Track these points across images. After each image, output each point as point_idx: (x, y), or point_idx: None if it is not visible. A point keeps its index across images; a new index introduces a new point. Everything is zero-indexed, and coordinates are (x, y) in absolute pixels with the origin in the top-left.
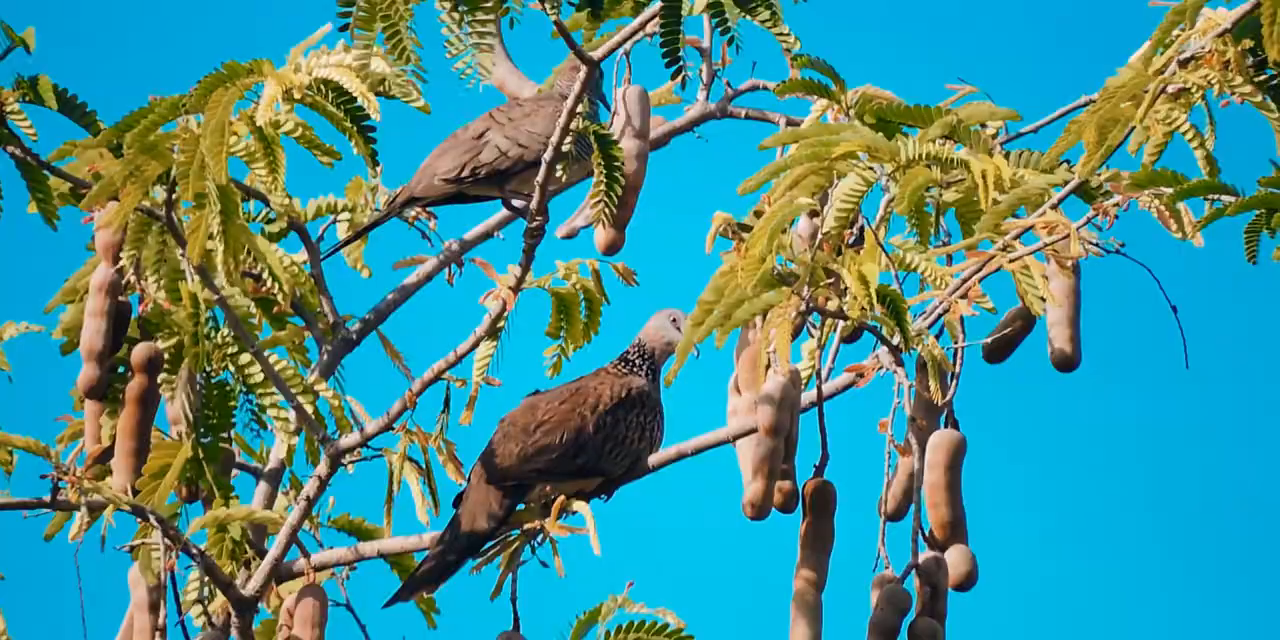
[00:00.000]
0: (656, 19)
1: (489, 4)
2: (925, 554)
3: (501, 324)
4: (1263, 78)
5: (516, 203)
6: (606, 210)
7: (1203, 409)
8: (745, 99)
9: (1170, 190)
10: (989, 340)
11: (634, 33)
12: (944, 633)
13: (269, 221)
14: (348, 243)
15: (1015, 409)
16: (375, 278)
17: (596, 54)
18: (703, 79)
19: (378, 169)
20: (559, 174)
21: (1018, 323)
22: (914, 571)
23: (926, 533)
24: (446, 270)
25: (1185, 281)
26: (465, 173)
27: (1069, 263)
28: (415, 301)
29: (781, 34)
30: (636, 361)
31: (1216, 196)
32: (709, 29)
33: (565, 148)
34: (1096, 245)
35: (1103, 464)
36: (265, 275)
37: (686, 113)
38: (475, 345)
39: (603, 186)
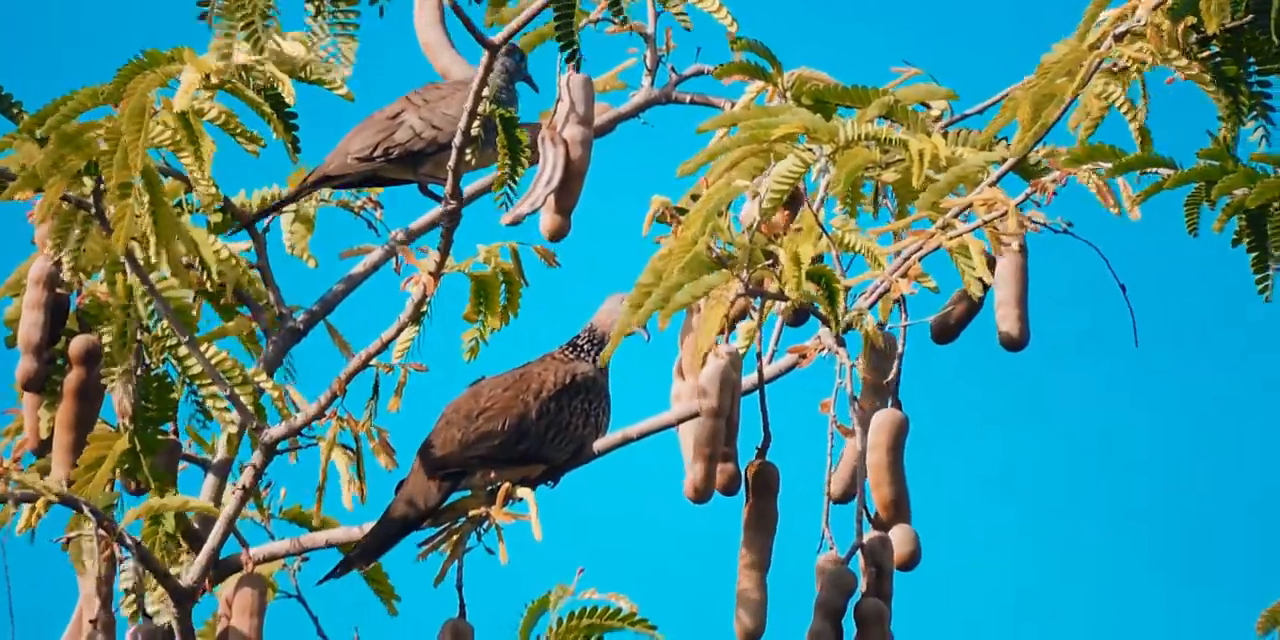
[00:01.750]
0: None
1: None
2: (870, 534)
3: (424, 309)
4: (1206, 53)
5: (431, 187)
6: (509, 194)
7: (1150, 387)
8: (690, 84)
9: (1108, 165)
10: (934, 319)
11: (532, 17)
12: (890, 613)
13: (214, 213)
14: (261, 216)
15: (966, 389)
16: (321, 268)
17: (497, 38)
18: (647, 65)
19: (298, 155)
20: (469, 158)
21: (962, 302)
22: (859, 552)
23: (872, 513)
24: (393, 260)
25: (1132, 258)
26: (378, 152)
27: (1013, 241)
28: (362, 291)
29: (720, 15)
30: (585, 346)
31: (1155, 170)
32: (653, 15)
33: (474, 132)
34: (1042, 224)
35: (1051, 443)
36: (197, 264)
37: (631, 99)
38: (400, 331)
39: (506, 171)
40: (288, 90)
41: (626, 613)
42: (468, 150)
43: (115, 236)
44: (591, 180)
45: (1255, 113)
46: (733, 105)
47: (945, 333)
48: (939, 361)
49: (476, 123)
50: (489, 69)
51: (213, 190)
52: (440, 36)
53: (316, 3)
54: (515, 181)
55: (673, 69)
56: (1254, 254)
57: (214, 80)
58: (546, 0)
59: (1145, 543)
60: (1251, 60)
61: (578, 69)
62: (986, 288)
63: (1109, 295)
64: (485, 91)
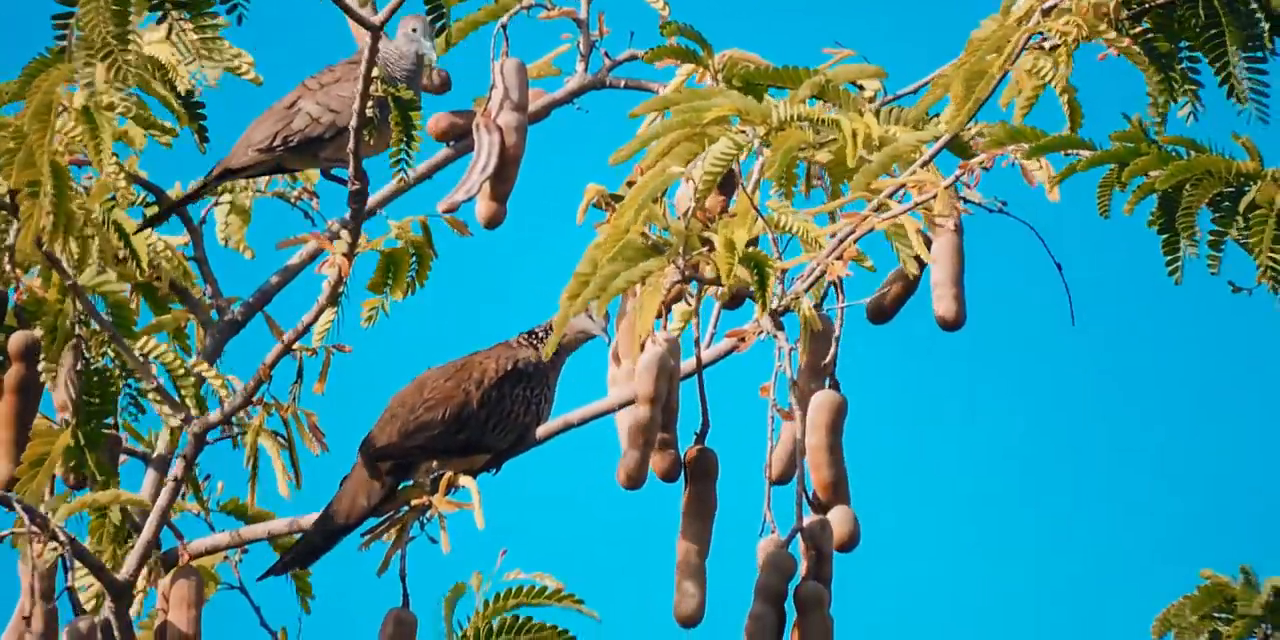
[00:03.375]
0: None
1: (211, 9)
2: (810, 517)
3: (341, 290)
4: (1138, 30)
5: (335, 172)
6: (406, 174)
7: (1088, 365)
8: (624, 69)
9: (1028, 145)
10: (869, 300)
11: None
12: (830, 596)
13: (148, 205)
14: (157, 219)
15: (902, 368)
16: (258, 259)
17: (376, 19)
18: (580, 50)
19: (205, 145)
20: (368, 140)
21: (898, 283)
22: (799, 535)
23: (811, 496)
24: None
25: (1067, 236)
26: (277, 142)
27: (947, 222)
28: (299, 282)
29: (653, 0)
30: (542, 337)
31: (1075, 151)
32: (585, 0)
33: (369, 114)
34: (976, 203)
35: (989, 422)
36: (127, 254)
37: (566, 84)
38: (319, 314)
39: (401, 150)
40: (184, 80)
41: (553, 590)
42: (365, 132)
43: (23, 235)
44: (527, 166)
45: (1184, 91)
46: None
47: (881, 313)
48: (877, 342)
49: (370, 103)
50: (374, 50)
51: (121, 183)
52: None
53: (172, 26)
54: (410, 157)
55: (606, 54)
56: (1164, 236)
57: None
58: None
59: (1082, 524)
60: (1182, 38)
61: (449, 41)
62: (923, 266)
63: (1046, 273)
64: (375, 71)
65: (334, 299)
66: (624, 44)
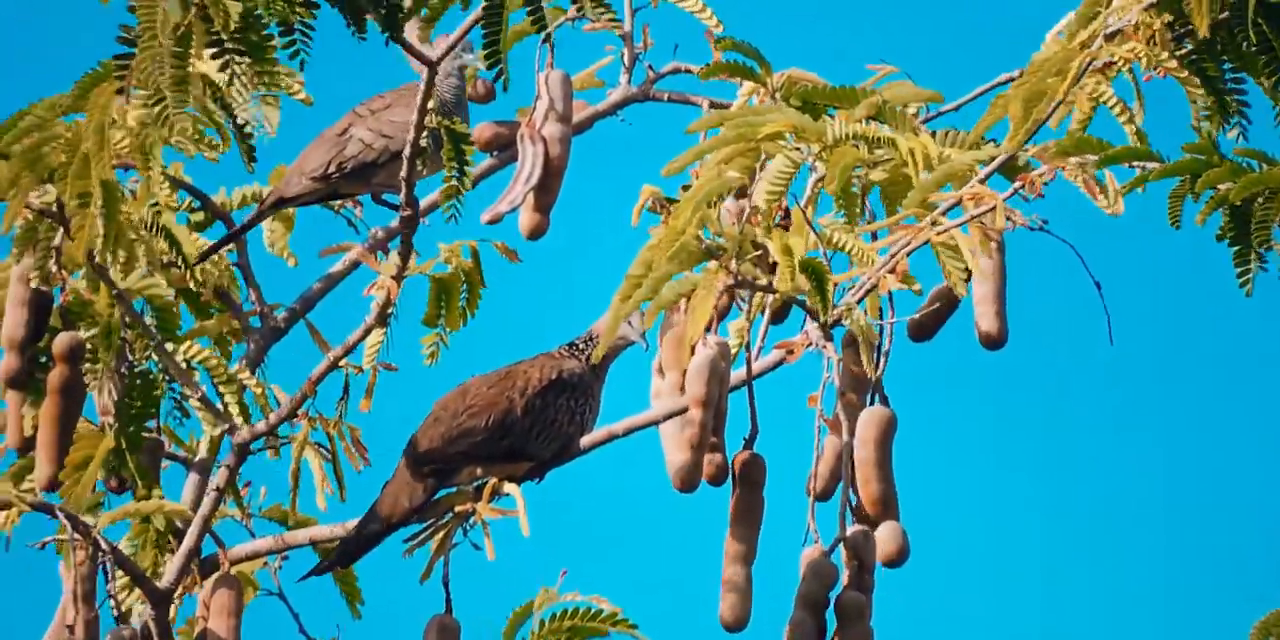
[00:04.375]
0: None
1: (272, 56)
2: (853, 528)
3: (389, 311)
4: (1183, 51)
5: (386, 197)
6: (457, 205)
7: (1127, 384)
8: (667, 82)
9: (1095, 157)
10: (917, 316)
11: (465, 33)
12: (871, 606)
13: (193, 211)
14: (219, 247)
15: (944, 387)
16: (301, 266)
17: (434, 55)
18: (624, 63)
19: (253, 164)
20: (420, 169)
21: (941, 301)
22: (841, 545)
23: (853, 505)
24: (373, 258)
25: (1110, 257)
26: (332, 169)
27: (994, 238)
28: (342, 289)
29: (703, 14)
30: (582, 347)
31: (1142, 164)
32: (630, 13)
33: (423, 143)
34: (1018, 222)
35: (1029, 443)
36: (179, 262)
37: (609, 97)
38: (366, 334)
39: (453, 181)
40: (244, 102)
41: (608, 614)
42: (417, 160)
43: (74, 247)
44: (570, 178)
45: (1234, 111)
46: (711, 103)
47: (923, 331)
48: (916, 360)
49: (424, 134)
50: (430, 84)
51: (168, 194)
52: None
53: (230, 69)
54: (462, 193)
55: (650, 67)
56: (1236, 248)
57: None
58: (477, 18)
59: (1130, 540)
60: (1225, 59)
61: (505, 88)
62: (968, 281)
63: (1087, 293)
64: (430, 104)
65: (382, 320)
66: (668, 57)
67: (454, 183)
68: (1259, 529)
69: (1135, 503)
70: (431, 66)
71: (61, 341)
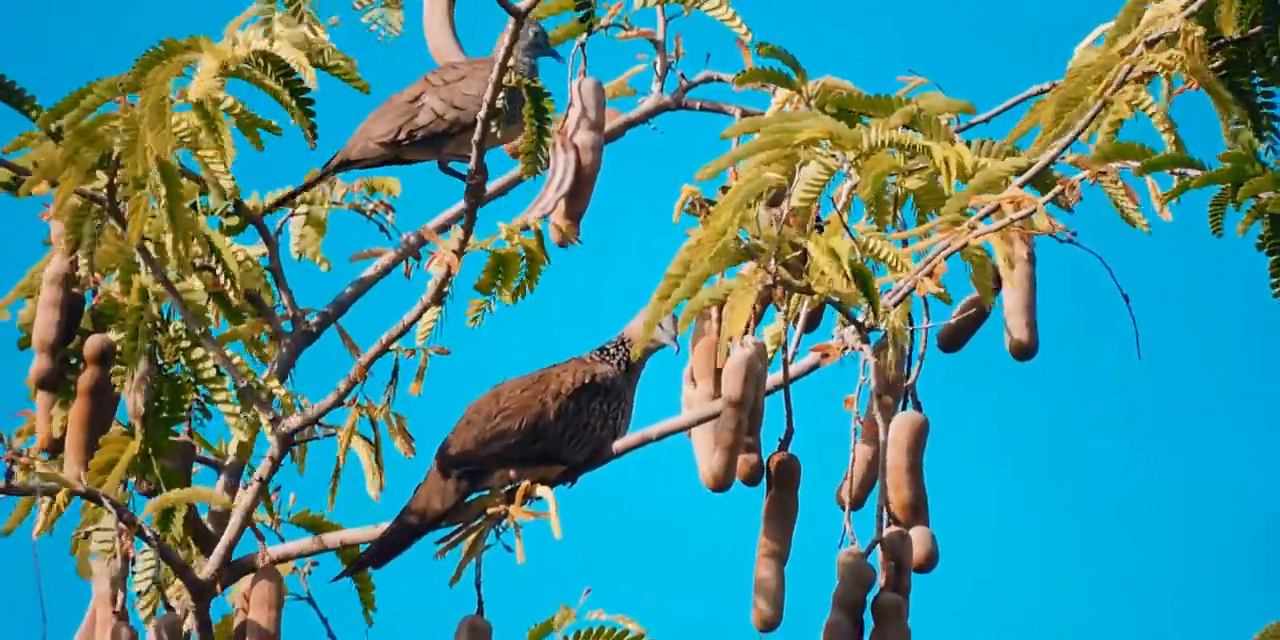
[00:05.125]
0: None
1: None
2: (890, 529)
3: (446, 289)
4: (1215, 63)
5: (453, 166)
6: (537, 162)
7: (1158, 394)
8: (700, 91)
9: (1138, 163)
10: (951, 321)
11: None
12: (908, 607)
13: (226, 215)
14: (281, 203)
15: (973, 397)
16: (333, 271)
17: (522, 4)
18: (657, 71)
19: (315, 141)
20: (494, 132)
21: (972, 310)
22: (878, 547)
23: (891, 510)
24: (404, 263)
25: (1140, 267)
26: (402, 136)
27: (1028, 244)
28: (373, 295)
29: (733, 23)
30: (613, 352)
31: (1183, 171)
32: (663, 21)
33: (499, 104)
34: (1047, 233)
35: (1058, 453)
36: (218, 268)
37: (641, 105)
38: (421, 313)
39: (533, 140)
40: (310, 77)
41: (635, 635)
42: (493, 123)
43: (130, 229)
44: (601, 186)
45: (1266, 124)
46: (743, 112)
47: (953, 341)
48: (946, 370)
49: (502, 94)
50: (516, 36)
51: (231, 183)
52: (449, 41)
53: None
54: (543, 152)
55: (682, 75)
56: (1274, 257)
57: (231, 69)
58: None
59: (1158, 547)
60: (1255, 73)
61: (589, 30)
62: (997, 290)
63: (1115, 304)
64: (510, 62)
65: (439, 298)
66: (700, 65)
67: (535, 140)
68: None
69: (1164, 511)
70: (519, 17)
71: (93, 343)
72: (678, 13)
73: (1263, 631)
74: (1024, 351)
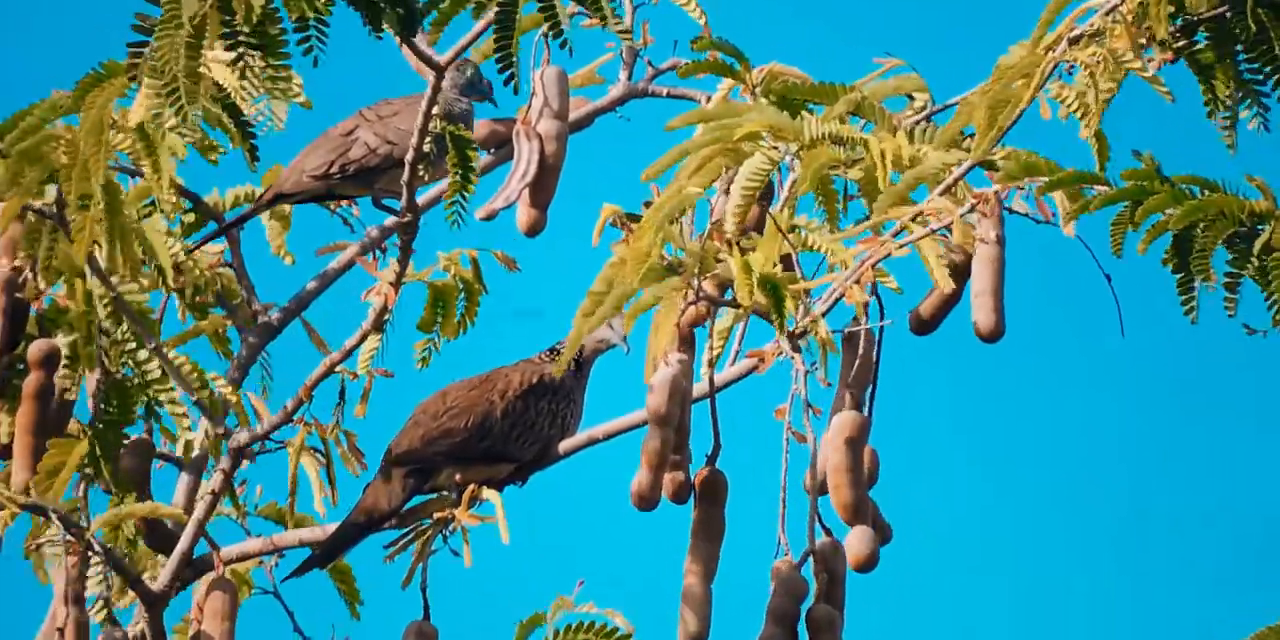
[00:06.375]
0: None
1: (285, 52)
2: (822, 540)
3: (386, 317)
4: (1183, 43)
5: (386, 201)
6: (460, 212)
7: (1133, 379)
8: (668, 78)
9: (1044, 180)
10: (911, 312)
11: (475, 38)
12: (843, 619)
13: (185, 212)
14: (210, 239)
15: (945, 381)
16: (297, 265)
17: (443, 59)
18: (624, 58)
19: (255, 164)
20: (422, 174)
21: (937, 293)
22: (811, 557)
23: (822, 520)
24: (370, 256)
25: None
26: (334, 169)
27: (994, 232)
28: (337, 288)
29: (688, 7)
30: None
31: (1090, 186)
32: (630, 9)
33: (426, 149)
34: (1023, 214)
35: (1030, 436)
36: (154, 270)
37: (609, 93)
38: (362, 339)
39: (457, 186)
40: (245, 103)
41: (623, 632)
42: (420, 166)
43: (76, 247)
44: (570, 174)
45: (1249, 100)
46: (709, 99)
47: (925, 324)
48: (920, 354)
49: (429, 139)
50: (437, 89)
51: (174, 199)
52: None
53: (240, 64)
54: (466, 198)
55: (650, 63)
56: (1179, 275)
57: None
58: (488, 23)
59: (1119, 542)
60: (1239, 48)
61: (516, 91)
62: (961, 282)
63: (1093, 285)
64: (435, 109)
65: (379, 326)
66: (668, 53)
67: (457, 190)
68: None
69: (1133, 502)
70: (439, 71)
71: (37, 348)
72: (645, 1)
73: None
74: (988, 335)
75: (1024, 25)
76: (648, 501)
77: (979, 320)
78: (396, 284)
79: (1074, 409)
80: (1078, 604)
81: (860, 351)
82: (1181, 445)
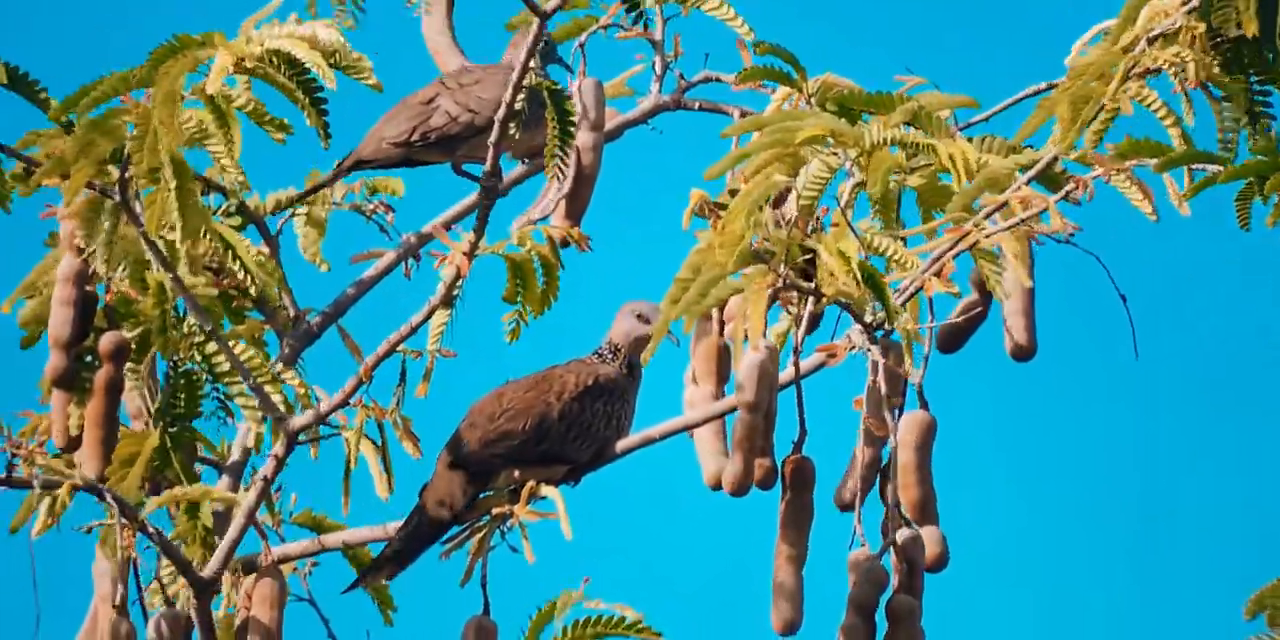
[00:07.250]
0: None
1: None
2: (902, 531)
3: (456, 292)
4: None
5: (467, 168)
6: (560, 166)
7: (1154, 397)
8: (699, 91)
9: (1153, 161)
10: (948, 322)
11: None
12: (921, 609)
13: (228, 215)
14: (298, 200)
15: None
16: (333, 272)
17: (548, 6)
18: (655, 71)
19: (328, 141)
20: (512, 133)
21: (974, 311)
22: (891, 548)
23: (902, 511)
24: (404, 264)
25: (1137, 268)
26: (415, 137)
27: (1023, 252)
28: (373, 295)
29: (734, 22)
30: (609, 355)
31: (1201, 167)
32: (661, 21)
33: (518, 106)
34: (1045, 234)
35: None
36: (235, 265)
37: (640, 105)
38: (430, 315)
39: (555, 143)
40: (329, 78)
41: (632, 621)
42: (511, 125)
43: (148, 220)
44: (600, 186)
45: (1261, 120)
46: (742, 112)
47: (951, 343)
48: (945, 371)
49: (521, 96)
50: (539, 38)
51: (241, 177)
52: (449, 42)
53: None
54: (566, 152)
55: (681, 75)
56: None
57: (247, 65)
58: None
59: (1161, 547)
60: (1252, 72)
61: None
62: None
63: (1114, 305)
64: (530, 64)
65: (448, 300)
66: (699, 65)
67: (555, 143)
68: None
69: (1163, 509)
70: (543, 17)
71: (108, 340)
72: (676, 12)
73: (1259, 592)
74: (1023, 353)
75: (1023, 26)
76: (740, 488)
77: (1014, 339)
78: (470, 254)
79: (1095, 424)
80: (1097, 616)
81: (925, 351)
82: (1207, 458)
